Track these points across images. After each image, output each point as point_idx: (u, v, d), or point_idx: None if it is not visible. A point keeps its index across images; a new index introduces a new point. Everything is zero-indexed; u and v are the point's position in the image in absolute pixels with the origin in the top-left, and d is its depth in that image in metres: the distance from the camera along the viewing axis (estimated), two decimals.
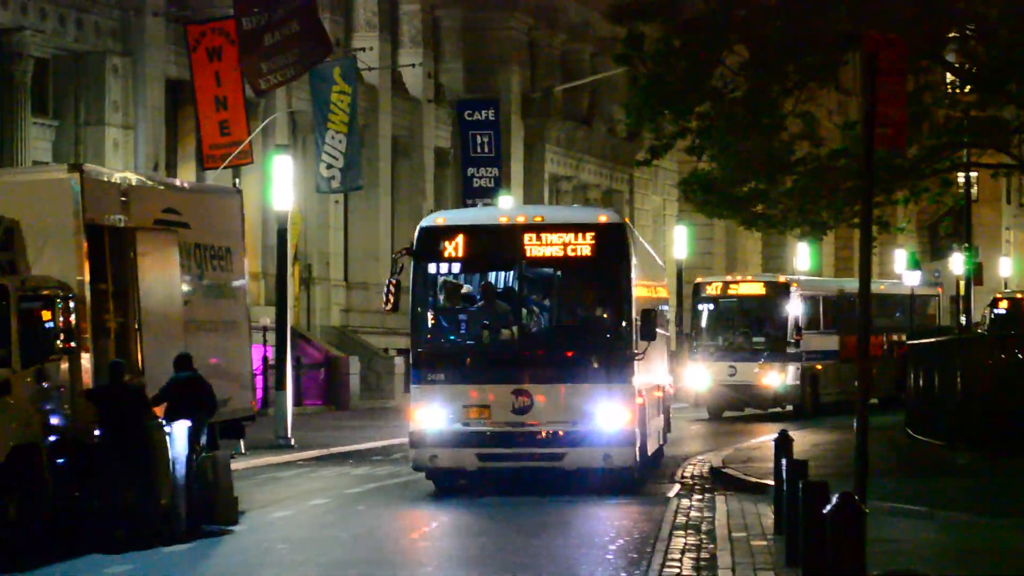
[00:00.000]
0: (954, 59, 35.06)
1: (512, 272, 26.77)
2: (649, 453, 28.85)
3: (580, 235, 26.16)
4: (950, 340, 40.95)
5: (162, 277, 24.43)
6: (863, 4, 29.46)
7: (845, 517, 11.74)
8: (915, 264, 77.13)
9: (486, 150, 57.99)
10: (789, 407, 46.91)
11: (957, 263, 63.59)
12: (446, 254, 26.31)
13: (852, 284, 56.78)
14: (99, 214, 22.58)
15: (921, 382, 38.22)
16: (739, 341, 47.57)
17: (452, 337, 26.96)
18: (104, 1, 43.28)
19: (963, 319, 58.17)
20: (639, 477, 27.45)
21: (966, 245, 57.93)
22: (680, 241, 67.55)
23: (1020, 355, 34.78)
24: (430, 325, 26.86)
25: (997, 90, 33.52)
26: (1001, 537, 20.24)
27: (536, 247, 26.16)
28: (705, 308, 48.78)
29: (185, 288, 25.52)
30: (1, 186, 23.91)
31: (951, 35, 33.88)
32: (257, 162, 41.72)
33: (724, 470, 29.52)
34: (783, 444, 20.34)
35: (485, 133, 58.04)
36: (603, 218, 27.07)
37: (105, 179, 23.82)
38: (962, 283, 58.90)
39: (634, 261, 26.60)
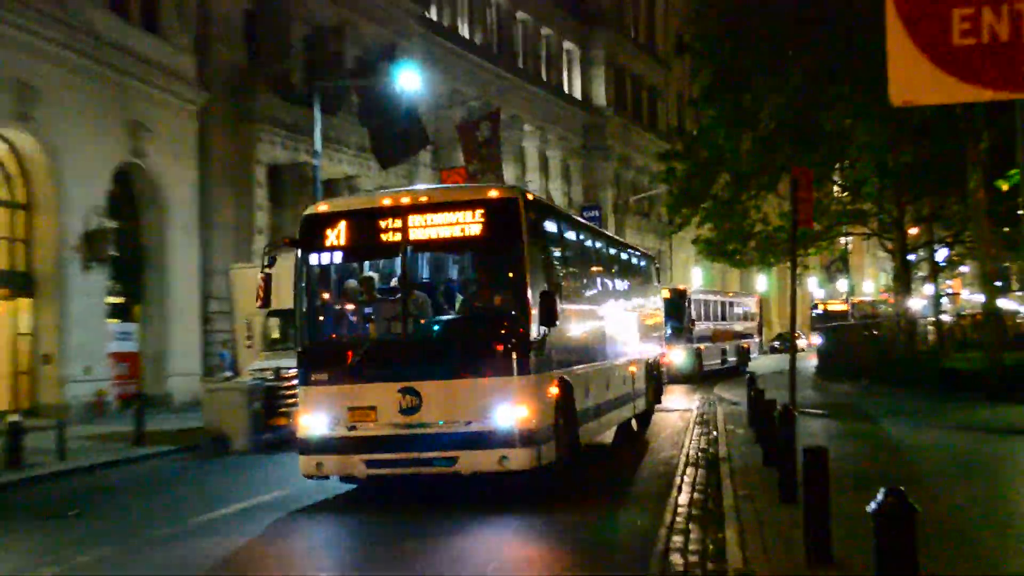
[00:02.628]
0: (838, 178, 35.18)
1: (397, 259, 13.43)
2: (590, 440, 15.68)
3: (468, 213, 13.00)
4: (840, 326, 40.91)
5: None
6: (792, 151, 29.34)
7: (785, 416, 11.43)
8: (821, 285, 76.83)
9: None
10: (683, 375, 37.83)
11: (843, 285, 63.65)
12: (328, 242, 13.52)
13: (723, 292, 49.12)
14: None
15: (825, 347, 38.37)
16: None
17: (335, 334, 14.05)
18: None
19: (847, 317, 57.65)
20: (553, 480, 13.27)
21: (847, 276, 57.75)
22: (697, 276, 67.94)
23: (873, 332, 34.80)
24: (313, 321, 13.85)
25: (859, 194, 33.77)
26: (863, 427, 19.86)
27: (422, 229, 13.12)
28: None
29: None
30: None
31: (836, 166, 34.04)
32: None
33: (722, 395, 28.82)
34: (752, 381, 19.89)
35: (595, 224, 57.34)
36: (494, 193, 13.09)
37: None
38: (845, 295, 58.69)
39: (528, 239, 12.74)
